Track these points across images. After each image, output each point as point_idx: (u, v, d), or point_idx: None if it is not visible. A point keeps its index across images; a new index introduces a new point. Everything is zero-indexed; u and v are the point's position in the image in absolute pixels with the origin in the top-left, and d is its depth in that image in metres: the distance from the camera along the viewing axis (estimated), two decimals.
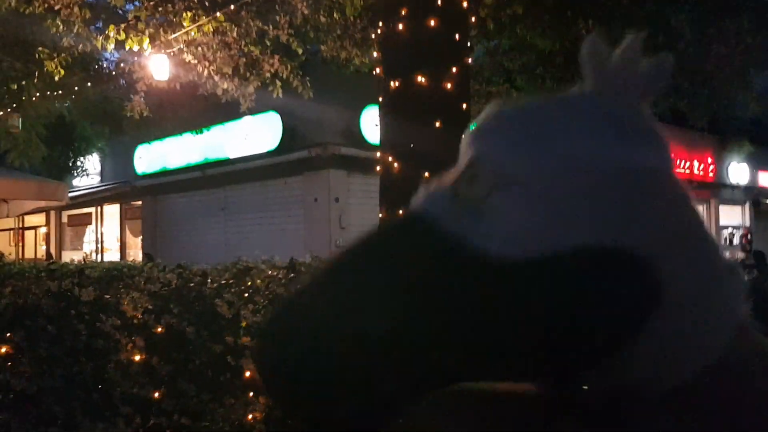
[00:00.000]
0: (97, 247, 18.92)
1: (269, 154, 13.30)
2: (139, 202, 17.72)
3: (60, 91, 6.98)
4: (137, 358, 3.01)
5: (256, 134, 13.48)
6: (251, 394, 2.72)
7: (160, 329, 3.12)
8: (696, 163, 21.01)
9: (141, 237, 17.70)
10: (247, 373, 2.74)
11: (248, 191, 13.85)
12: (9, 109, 7.24)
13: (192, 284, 3.05)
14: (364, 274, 0.65)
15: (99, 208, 19.29)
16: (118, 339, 3.05)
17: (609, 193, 0.64)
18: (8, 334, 3.44)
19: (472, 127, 0.71)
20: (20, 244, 21.51)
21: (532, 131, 0.67)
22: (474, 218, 0.64)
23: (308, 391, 0.62)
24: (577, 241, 0.61)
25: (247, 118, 12.51)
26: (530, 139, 0.66)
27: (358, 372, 0.61)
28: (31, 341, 3.35)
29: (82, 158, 15.00)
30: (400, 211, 3.97)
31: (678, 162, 19.90)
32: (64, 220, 21.08)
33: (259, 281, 3.08)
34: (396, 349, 0.61)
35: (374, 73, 4.94)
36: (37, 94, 6.76)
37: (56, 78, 5.83)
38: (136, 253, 17.61)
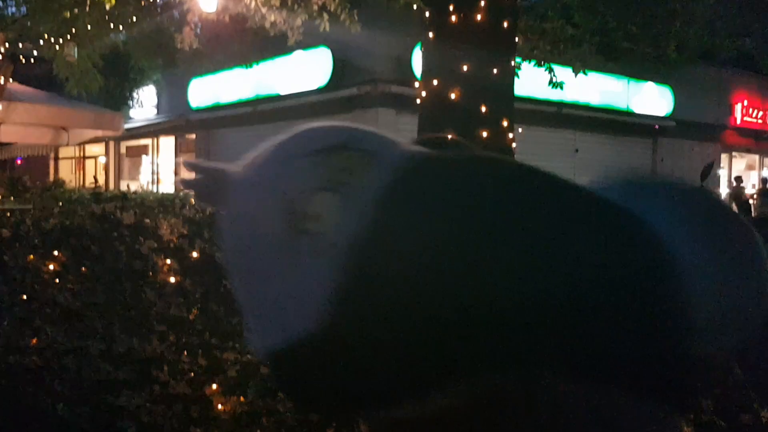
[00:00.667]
0: (153, 179, 19.42)
1: (319, 91, 13.32)
2: (193, 136, 18.05)
3: (113, 22, 7.12)
4: (172, 280, 3.15)
5: (306, 70, 13.49)
6: None
7: (195, 254, 3.26)
8: None
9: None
10: None
11: (298, 127, 13.94)
12: (65, 39, 7.42)
13: None
14: None
15: (155, 140, 19.73)
16: (155, 261, 3.19)
17: None
18: (56, 253, 3.64)
19: None
20: (81, 172, 22.25)
21: None
22: None
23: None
24: None
25: (297, 53, 12.51)
26: None
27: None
28: (76, 259, 3.54)
29: (137, 90, 15.30)
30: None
31: (750, 111, 19.16)
32: (123, 150, 21.65)
33: None
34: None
35: (420, 4, 4.89)
36: (92, 24, 6.89)
37: (107, 7, 5.94)
38: None
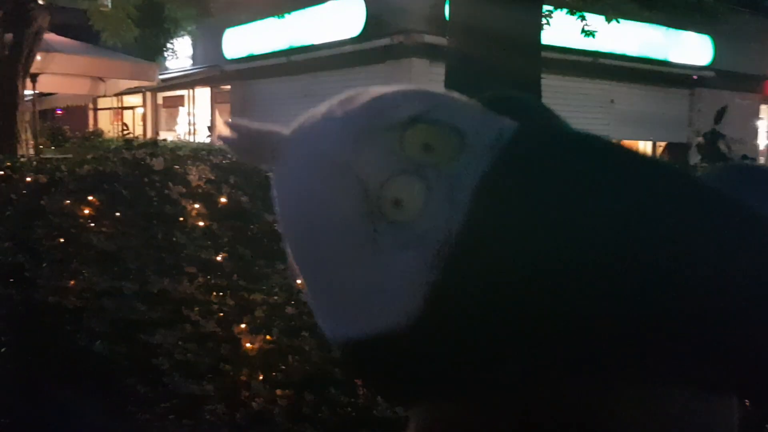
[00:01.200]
0: (189, 129, 19.65)
1: (352, 41, 13.25)
2: (228, 87, 18.14)
3: None
4: (201, 223, 3.27)
5: (339, 20, 13.41)
6: None
7: (224, 200, 3.36)
8: None
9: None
10: None
11: (331, 79, 13.93)
12: None
13: None
14: None
15: (191, 91, 19.89)
16: (184, 206, 3.31)
17: None
18: (90, 198, 3.77)
19: None
20: (119, 122, 22.59)
21: None
22: None
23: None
24: None
25: (330, 3, 12.43)
26: None
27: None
28: (110, 204, 3.68)
29: (172, 40, 15.41)
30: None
31: None
32: (159, 101, 21.89)
33: None
34: None
35: None
36: None
37: None
38: None
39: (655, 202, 0.55)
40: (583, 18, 6.29)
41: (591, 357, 0.55)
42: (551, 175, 0.56)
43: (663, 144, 17.18)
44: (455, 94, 0.65)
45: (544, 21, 6.60)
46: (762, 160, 17.97)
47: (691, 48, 16.61)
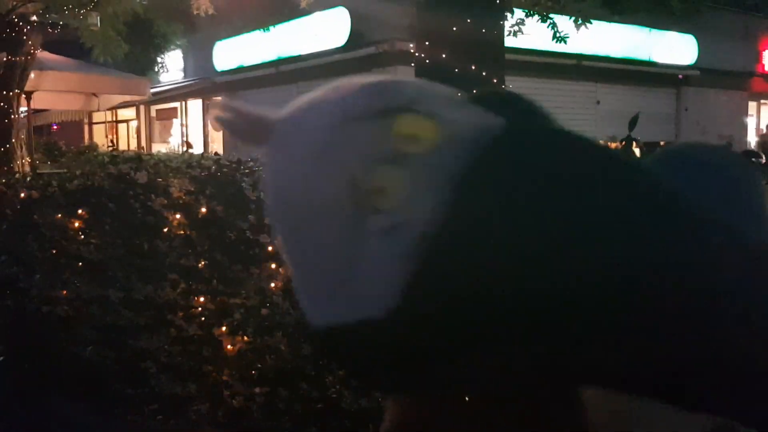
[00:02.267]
0: (182, 141, 19.84)
1: (338, 50, 13.48)
2: (220, 98, 18.35)
3: None
4: (181, 232, 3.47)
5: (325, 30, 13.65)
6: (273, 265, 3.14)
7: (204, 209, 3.56)
8: None
9: (222, 131, 18.40)
10: (270, 248, 3.15)
11: (318, 87, 14.14)
12: (87, 8, 7.71)
13: (225, 170, 3.45)
14: None
15: (183, 103, 20.10)
16: (165, 216, 3.51)
17: None
18: (79, 211, 3.98)
19: None
20: (114, 136, 22.77)
21: None
22: None
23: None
24: None
25: (316, 14, 12.65)
26: None
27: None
28: (97, 216, 3.88)
29: (162, 55, 15.63)
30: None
31: None
32: (153, 114, 22.08)
33: None
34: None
35: None
36: None
37: None
38: (218, 147, 18.41)
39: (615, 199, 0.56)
40: (554, 26, 6.49)
41: (564, 348, 0.55)
42: (531, 171, 0.56)
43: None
44: (444, 88, 0.64)
45: (516, 27, 6.83)
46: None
47: (675, 47, 16.80)
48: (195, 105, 19.83)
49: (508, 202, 0.55)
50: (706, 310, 0.56)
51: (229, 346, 3.32)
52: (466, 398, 0.64)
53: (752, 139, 19.33)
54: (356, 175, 0.57)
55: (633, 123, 2.06)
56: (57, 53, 11.20)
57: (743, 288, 0.57)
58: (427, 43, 4.38)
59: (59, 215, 4.10)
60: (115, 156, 4.68)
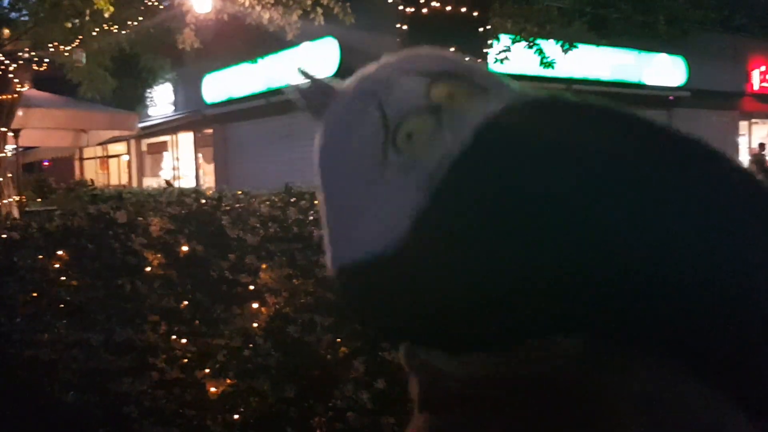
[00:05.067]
0: (174, 174, 19.83)
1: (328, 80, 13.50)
2: (210, 130, 18.37)
3: (115, 26, 7.36)
4: (161, 272, 3.39)
5: (314, 61, 13.69)
6: (255, 305, 3.05)
7: (185, 248, 3.48)
8: None
9: (213, 163, 18.45)
10: (251, 287, 3.07)
11: (310, 118, 14.14)
12: (72, 45, 7.70)
13: (206, 207, 3.38)
14: None
15: (174, 137, 20.10)
16: (146, 256, 3.43)
17: None
18: (59, 252, 3.90)
19: None
20: (105, 171, 22.76)
21: None
22: None
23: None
24: None
25: (305, 45, 12.70)
26: None
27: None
28: (77, 258, 3.80)
29: (150, 89, 15.66)
30: None
31: None
32: (144, 148, 22.09)
33: (255, 204, 3.38)
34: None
35: None
36: (96, 30, 7.15)
37: (106, 15, 6.19)
38: (210, 179, 18.40)
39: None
40: (541, 52, 6.51)
41: (569, 308, 0.56)
42: (542, 135, 0.59)
43: None
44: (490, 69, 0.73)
45: (503, 54, 6.83)
46: None
47: (664, 69, 16.94)
48: (186, 138, 19.84)
49: (520, 153, 0.58)
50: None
51: (212, 389, 3.23)
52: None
53: (745, 158, 19.43)
54: (392, 120, 0.65)
55: None
56: (44, 90, 11.19)
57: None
58: None
59: (40, 257, 4.02)
60: (96, 195, 4.61)
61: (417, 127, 0.64)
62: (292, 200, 3.24)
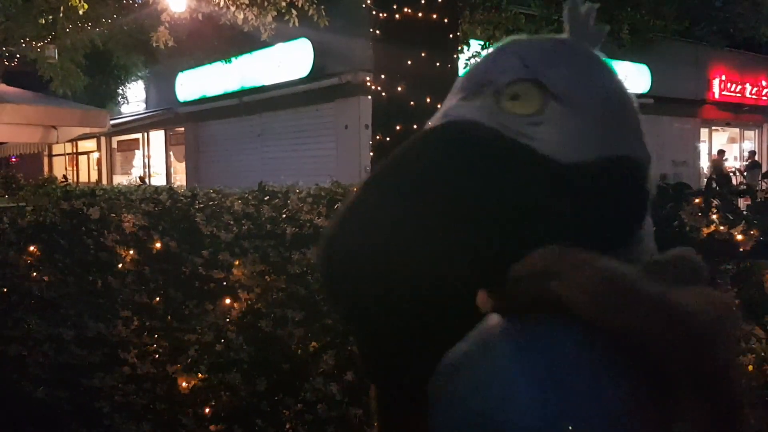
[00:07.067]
0: (145, 172, 19.68)
1: (301, 81, 13.55)
2: (182, 129, 18.28)
3: (89, 23, 7.35)
4: (133, 268, 3.42)
5: (288, 61, 13.72)
6: (227, 301, 3.11)
7: (158, 245, 3.52)
8: (749, 87, 20.35)
9: (185, 162, 18.36)
10: (224, 283, 3.12)
11: (282, 118, 14.20)
12: (45, 42, 7.67)
13: (179, 204, 3.42)
14: (416, 183, 0.78)
15: (145, 134, 19.96)
16: (119, 252, 3.47)
17: (626, 115, 0.85)
18: (31, 248, 3.91)
19: (511, 50, 0.85)
20: (75, 168, 22.48)
21: (583, 64, 0.84)
22: (528, 127, 0.76)
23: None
24: (613, 151, 0.79)
25: (279, 46, 12.72)
26: (583, 70, 0.84)
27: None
28: (48, 254, 3.82)
29: (123, 86, 15.54)
30: (397, 127, 4.27)
31: (728, 85, 19.19)
32: (114, 145, 21.88)
33: (229, 202, 3.45)
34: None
35: (366, 3, 5.13)
36: (70, 26, 7.13)
37: (80, 12, 6.19)
38: (181, 178, 18.30)
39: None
40: None
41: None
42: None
43: None
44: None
45: (474, 60, 6.96)
46: (704, 180, 18.60)
47: (629, 77, 17.21)
48: (157, 136, 19.70)
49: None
50: None
51: (183, 384, 3.27)
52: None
53: (705, 164, 19.87)
54: (499, 85, 0.78)
55: None
56: (15, 85, 11.07)
57: None
58: (383, 75, 4.44)
59: (12, 252, 4.03)
60: (69, 191, 4.63)
61: (521, 91, 0.78)
62: (265, 198, 3.30)
